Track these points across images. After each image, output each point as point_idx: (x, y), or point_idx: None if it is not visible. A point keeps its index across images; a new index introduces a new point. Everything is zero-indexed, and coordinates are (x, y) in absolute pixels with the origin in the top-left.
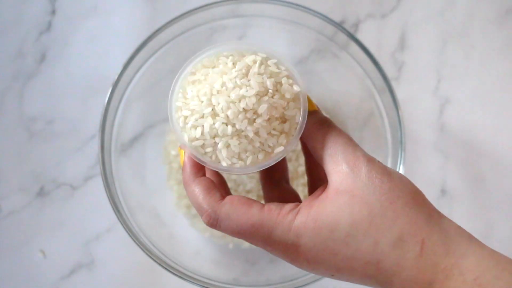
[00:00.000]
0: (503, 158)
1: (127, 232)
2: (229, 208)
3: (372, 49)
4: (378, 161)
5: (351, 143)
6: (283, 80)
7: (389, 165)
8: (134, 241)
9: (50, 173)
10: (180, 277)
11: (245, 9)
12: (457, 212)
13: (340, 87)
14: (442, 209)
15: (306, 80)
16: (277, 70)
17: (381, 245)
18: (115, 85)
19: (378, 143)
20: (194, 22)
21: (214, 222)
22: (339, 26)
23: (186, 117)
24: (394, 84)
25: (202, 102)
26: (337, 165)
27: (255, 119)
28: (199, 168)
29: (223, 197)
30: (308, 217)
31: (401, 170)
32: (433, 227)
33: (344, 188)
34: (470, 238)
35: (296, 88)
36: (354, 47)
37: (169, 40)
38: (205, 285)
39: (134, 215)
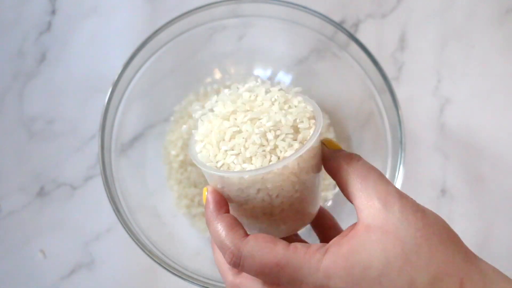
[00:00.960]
0: (503, 158)
1: (127, 232)
2: (253, 245)
3: (372, 49)
4: (411, 198)
5: (383, 179)
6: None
7: (389, 165)
8: (134, 241)
9: (50, 173)
10: (180, 277)
11: (245, 9)
12: (457, 211)
13: (340, 87)
14: (442, 209)
15: (306, 81)
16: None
17: (417, 285)
18: (115, 85)
19: (378, 143)
20: (194, 22)
21: (237, 261)
22: (339, 26)
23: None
24: (394, 84)
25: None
26: (369, 200)
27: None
28: (222, 205)
29: (246, 234)
30: (338, 255)
31: (401, 170)
32: (471, 266)
33: (376, 224)
34: (508, 280)
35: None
36: (354, 47)
37: (169, 40)
38: (205, 285)
39: (134, 215)
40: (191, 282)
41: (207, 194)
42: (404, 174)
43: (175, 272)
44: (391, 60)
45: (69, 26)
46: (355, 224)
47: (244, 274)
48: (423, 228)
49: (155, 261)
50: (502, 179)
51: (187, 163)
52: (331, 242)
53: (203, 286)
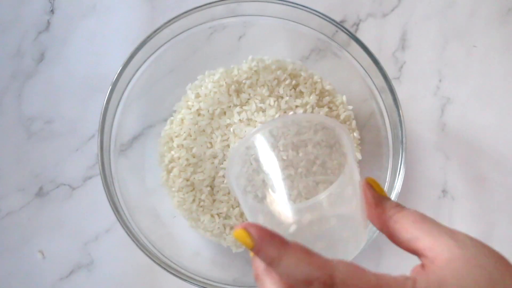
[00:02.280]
0: (504, 158)
1: (126, 232)
2: (345, 270)
3: (373, 49)
4: None
5: (438, 222)
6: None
7: (390, 165)
8: (134, 242)
9: (49, 173)
10: (179, 277)
11: (245, 9)
12: (458, 212)
13: (340, 86)
14: (443, 209)
15: None
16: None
17: None
18: (114, 85)
19: (379, 143)
20: (193, 21)
21: None
22: (340, 25)
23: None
24: (395, 83)
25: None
26: (438, 239)
27: None
28: (277, 234)
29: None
30: (429, 283)
31: (402, 170)
32: None
33: (456, 256)
34: None
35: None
36: (355, 47)
37: (169, 39)
38: (204, 286)
39: (134, 215)
40: (191, 282)
41: (252, 231)
42: (405, 174)
43: (174, 273)
44: (392, 60)
45: (68, 26)
46: (421, 264)
47: None
48: (499, 259)
49: (154, 261)
50: (503, 179)
51: (186, 163)
52: (413, 272)
53: (202, 286)
